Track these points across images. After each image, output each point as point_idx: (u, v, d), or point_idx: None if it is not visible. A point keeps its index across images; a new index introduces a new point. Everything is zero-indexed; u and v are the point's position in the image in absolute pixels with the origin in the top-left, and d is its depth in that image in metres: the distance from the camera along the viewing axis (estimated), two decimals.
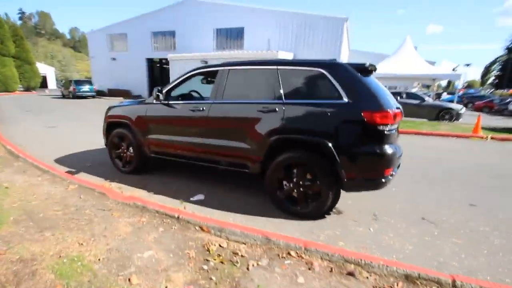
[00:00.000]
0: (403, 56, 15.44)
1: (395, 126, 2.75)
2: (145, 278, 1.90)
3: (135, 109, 4.00)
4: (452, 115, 11.22)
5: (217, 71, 3.44)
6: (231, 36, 18.60)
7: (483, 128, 9.08)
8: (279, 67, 3.02)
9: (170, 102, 3.70)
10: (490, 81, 35.48)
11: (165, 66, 25.83)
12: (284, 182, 3.01)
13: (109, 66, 22.61)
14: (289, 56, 15.83)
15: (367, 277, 1.98)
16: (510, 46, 39.92)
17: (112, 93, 21.73)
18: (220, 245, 2.35)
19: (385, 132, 2.58)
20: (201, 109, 3.35)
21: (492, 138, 7.76)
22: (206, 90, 4.89)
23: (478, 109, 20.62)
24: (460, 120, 11.39)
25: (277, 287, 1.88)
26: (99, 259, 2.07)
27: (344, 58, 16.86)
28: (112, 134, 4.22)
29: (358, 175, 2.65)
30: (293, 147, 2.91)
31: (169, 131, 3.68)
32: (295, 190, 2.93)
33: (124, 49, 22.20)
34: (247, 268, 2.06)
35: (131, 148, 4.14)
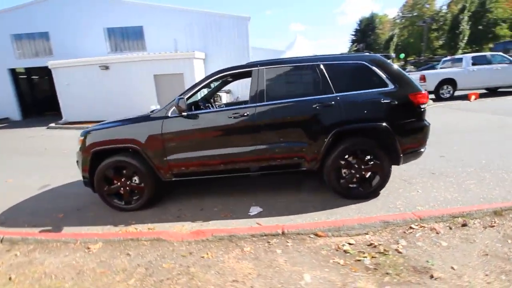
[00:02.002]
0: (298, 51, 17.86)
1: None
2: None
3: (141, 127, 3.19)
4: None
5: (249, 71, 3.19)
6: (128, 36, 16.32)
7: None
8: (322, 62, 3.11)
9: (197, 112, 3.18)
10: None
11: (33, 77, 20.22)
12: (343, 170, 3.19)
13: None
14: (202, 56, 15.41)
15: (474, 223, 2.46)
16: (354, 39, 52.13)
17: None
18: (349, 243, 2.33)
19: (423, 109, 3.13)
20: (245, 114, 3.05)
21: None
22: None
23: None
24: None
25: (438, 256, 2.09)
26: None
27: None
28: (103, 166, 3.23)
29: (410, 148, 3.12)
30: (349, 136, 3.10)
31: (201, 146, 3.15)
32: (357, 175, 3.15)
33: None
34: (399, 252, 2.17)
35: (135, 178, 3.31)
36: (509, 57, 11.13)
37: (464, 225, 2.44)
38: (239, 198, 3.51)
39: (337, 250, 2.25)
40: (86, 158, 3.27)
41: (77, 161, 3.45)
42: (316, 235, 2.44)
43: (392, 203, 3.06)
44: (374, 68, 3.08)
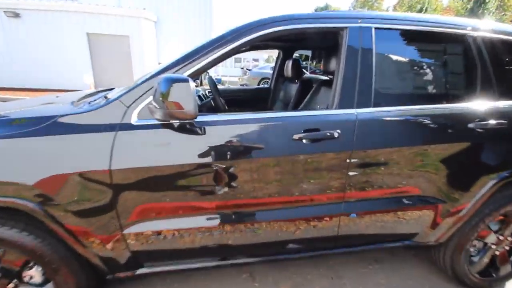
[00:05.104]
0: None
1: None
2: None
3: (36, 150, 1.13)
4: None
5: (336, 30, 1.38)
6: None
7: None
8: (476, 33, 1.49)
9: (210, 117, 1.26)
10: None
11: None
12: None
13: None
14: (154, 18, 12.25)
15: None
16: None
17: None
18: None
19: None
20: (334, 135, 1.28)
21: None
22: None
23: None
24: None
25: None
26: None
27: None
28: None
29: None
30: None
31: (218, 201, 1.28)
32: (497, 252, 1.74)
33: None
34: None
35: (34, 274, 1.30)
36: None
37: None
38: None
39: None
40: None
41: None
42: None
43: None
44: None
